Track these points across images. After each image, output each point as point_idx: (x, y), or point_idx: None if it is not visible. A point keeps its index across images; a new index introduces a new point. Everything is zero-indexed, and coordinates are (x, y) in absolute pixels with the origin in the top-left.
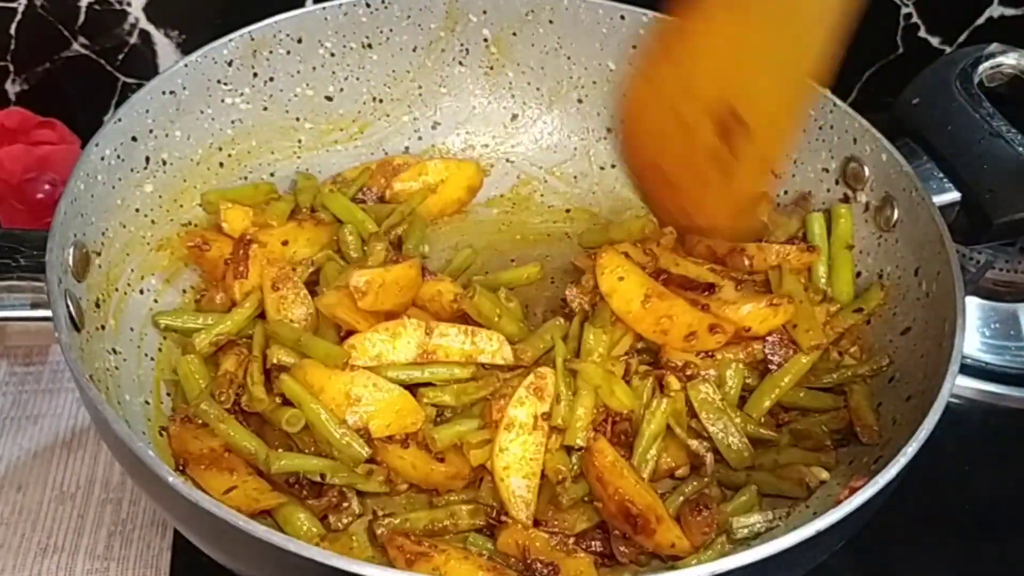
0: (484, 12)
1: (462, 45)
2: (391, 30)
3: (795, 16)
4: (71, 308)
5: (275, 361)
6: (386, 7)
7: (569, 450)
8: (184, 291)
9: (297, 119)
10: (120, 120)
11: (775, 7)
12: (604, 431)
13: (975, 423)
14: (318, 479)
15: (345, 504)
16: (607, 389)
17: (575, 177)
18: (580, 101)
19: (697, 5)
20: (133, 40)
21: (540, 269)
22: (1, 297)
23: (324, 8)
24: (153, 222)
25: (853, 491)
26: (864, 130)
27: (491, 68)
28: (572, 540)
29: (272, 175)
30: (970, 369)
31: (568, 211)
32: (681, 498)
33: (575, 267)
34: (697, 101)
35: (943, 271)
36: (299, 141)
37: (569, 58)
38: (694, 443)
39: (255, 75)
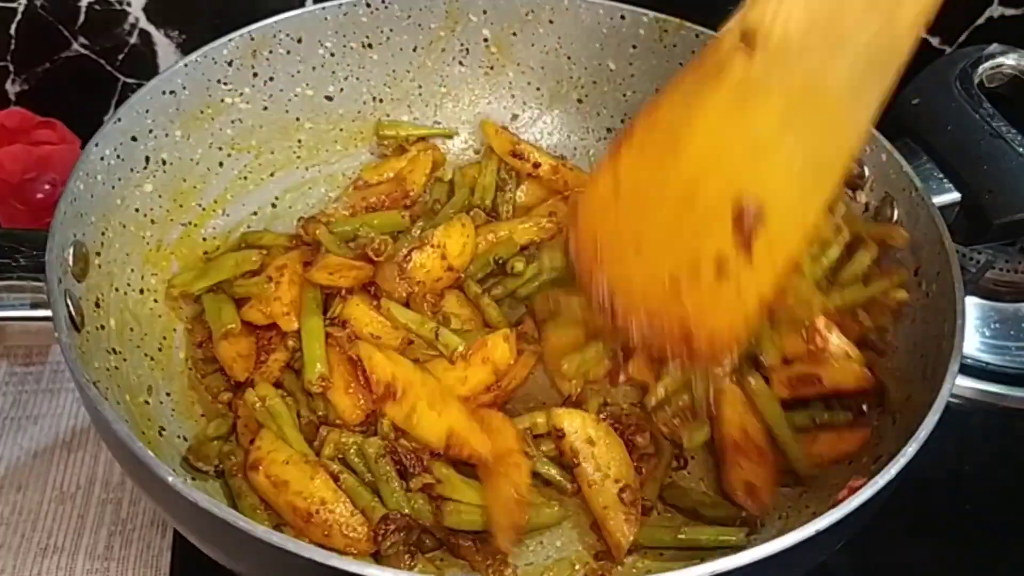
0: (484, 12)
1: (462, 45)
2: (391, 30)
3: (823, 99)
4: (71, 308)
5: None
6: (386, 7)
7: None
8: None
9: (297, 119)
10: (120, 120)
11: (799, 89)
12: None
13: (975, 423)
14: None
15: None
16: None
17: None
18: (580, 101)
19: (696, 90)
20: (133, 40)
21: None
22: (1, 297)
23: (324, 8)
24: (153, 222)
25: (852, 491)
26: None
27: (491, 68)
28: None
29: (272, 175)
30: (970, 369)
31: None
32: None
33: None
34: (705, 201)
35: (943, 271)
36: (299, 141)
37: (569, 58)
38: None
39: (255, 75)
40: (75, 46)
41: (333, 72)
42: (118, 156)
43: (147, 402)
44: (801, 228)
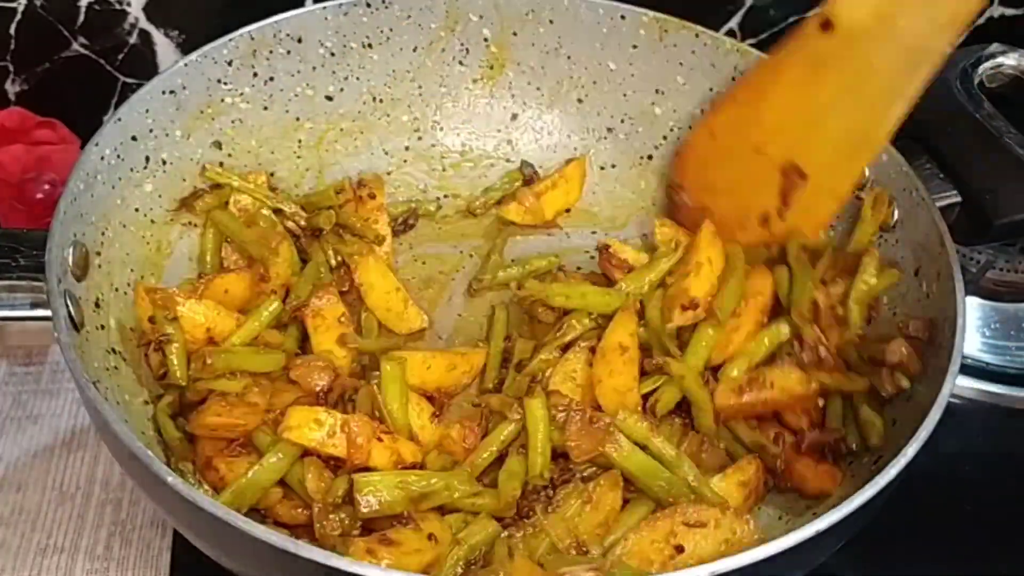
0: (484, 12)
1: (462, 45)
2: (391, 30)
3: (871, 82)
4: (71, 308)
5: None
6: (386, 7)
7: None
8: None
9: (297, 119)
10: (120, 120)
11: (854, 70)
12: None
13: (975, 423)
14: None
15: None
16: None
17: None
18: (580, 101)
19: (781, 60)
20: (133, 40)
21: (558, 257)
22: (1, 297)
23: (324, 8)
24: (153, 221)
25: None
26: None
27: (491, 68)
28: None
29: (272, 174)
30: (970, 369)
31: (568, 211)
32: None
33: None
34: (765, 161)
35: (943, 272)
36: (299, 141)
37: (569, 58)
38: None
39: (255, 75)
40: (75, 46)
41: (333, 72)
42: (118, 156)
43: (147, 402)
44: (834, 197)
